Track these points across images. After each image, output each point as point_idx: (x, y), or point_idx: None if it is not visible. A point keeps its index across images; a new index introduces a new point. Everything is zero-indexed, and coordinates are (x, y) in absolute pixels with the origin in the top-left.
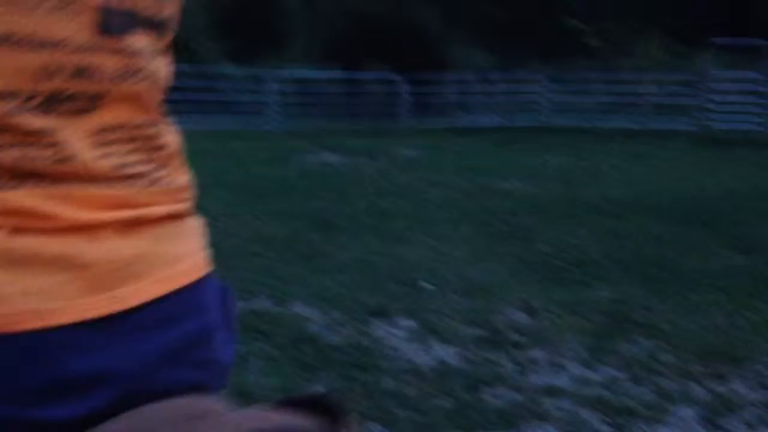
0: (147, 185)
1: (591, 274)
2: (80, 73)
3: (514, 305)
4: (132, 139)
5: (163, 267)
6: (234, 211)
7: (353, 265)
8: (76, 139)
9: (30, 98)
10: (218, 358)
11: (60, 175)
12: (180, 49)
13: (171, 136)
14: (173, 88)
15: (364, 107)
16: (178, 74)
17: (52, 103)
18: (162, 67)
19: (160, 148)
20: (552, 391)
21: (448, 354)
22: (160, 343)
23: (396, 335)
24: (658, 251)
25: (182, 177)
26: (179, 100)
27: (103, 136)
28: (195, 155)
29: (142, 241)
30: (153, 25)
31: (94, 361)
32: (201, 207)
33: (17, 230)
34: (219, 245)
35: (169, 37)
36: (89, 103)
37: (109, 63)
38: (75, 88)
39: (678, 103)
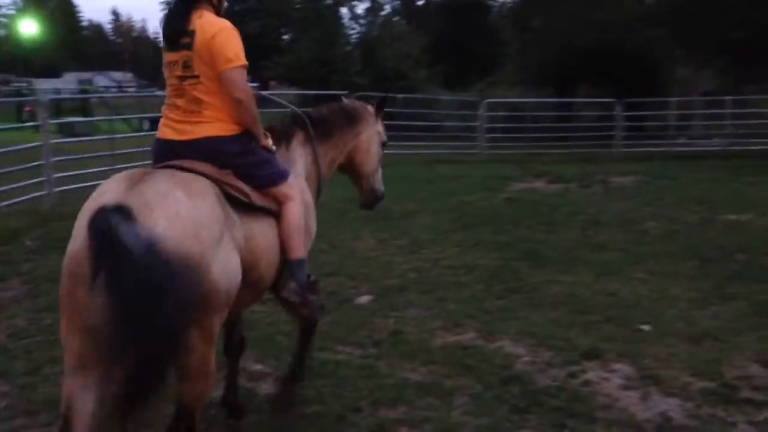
0: (195, 115)
1: None
2: (181, 88)
3: (748, 356)
4: (206, 106)
5: (194, 132)
6: (440, 238)
7: (564, 300)
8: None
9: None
10: (230, 161)
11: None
12: (394, 78)
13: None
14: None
15: (576, 132)
16: (392, 101)
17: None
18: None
19: (204, 107)
20: None
21: (670, 407)
22: (203, 151)
23: (611, 381)
24: None
25: (210, 112)
26: (390, 126)
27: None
28: (402, 180)
29: (188, 123)
30: (198, 77)
31: (183, 154)
32: (407, 233)
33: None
34: (426, 273)
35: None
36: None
37: (182, 84)
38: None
39: None
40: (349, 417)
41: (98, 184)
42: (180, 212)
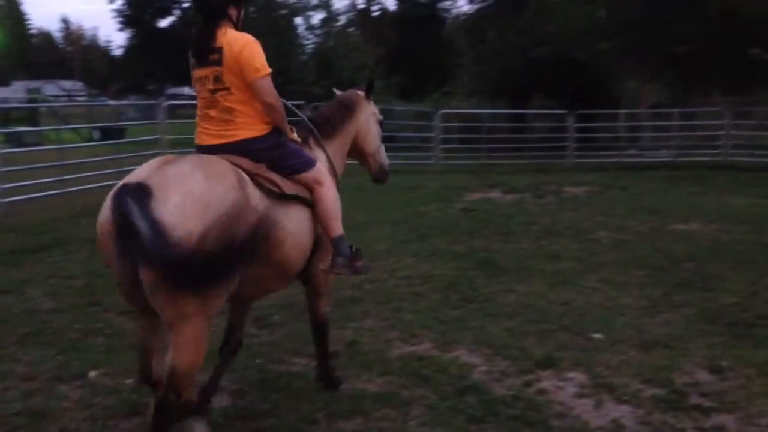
0: (229, 122)
1: None
2: (213, 100)
3: (696, 363)
4: (238, 114)
5: (231, 136)
6: (396, 248)
7: (519, 310)
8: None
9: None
10: (263, 155)
11: (204, 117)
12: (347, 87)
13: (248, 111)
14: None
15: (530, 143)
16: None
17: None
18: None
19: (236, 115)
20: None
21: (622, 414)
22: (239, 150)
23: (565, 390)
24: None
25: (242, 119)
26: None
27: (215, 113)
28: (358, 190)
29: (223, 130)
30: (229, 88)
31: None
32: (363, 243)
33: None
34: (382, 284)
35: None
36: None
37: (214, 96)
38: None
39: None
40: (306, 429)
41: (48, 195)
42: (193, 191)
